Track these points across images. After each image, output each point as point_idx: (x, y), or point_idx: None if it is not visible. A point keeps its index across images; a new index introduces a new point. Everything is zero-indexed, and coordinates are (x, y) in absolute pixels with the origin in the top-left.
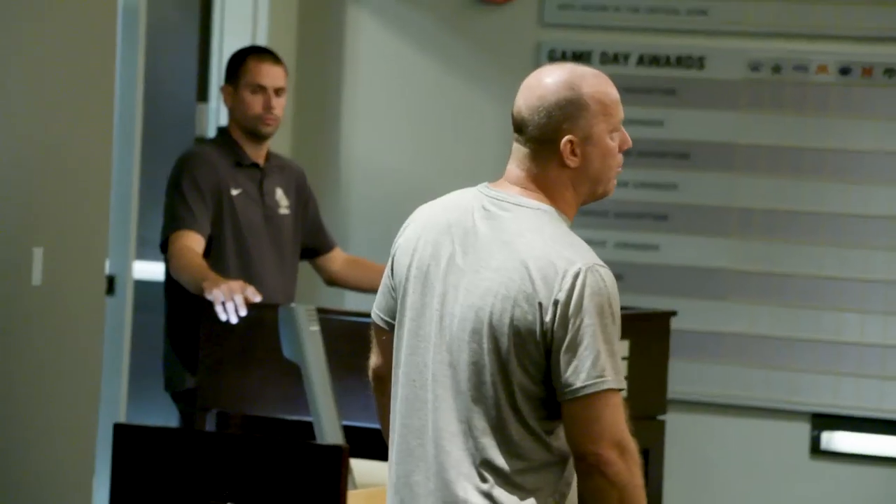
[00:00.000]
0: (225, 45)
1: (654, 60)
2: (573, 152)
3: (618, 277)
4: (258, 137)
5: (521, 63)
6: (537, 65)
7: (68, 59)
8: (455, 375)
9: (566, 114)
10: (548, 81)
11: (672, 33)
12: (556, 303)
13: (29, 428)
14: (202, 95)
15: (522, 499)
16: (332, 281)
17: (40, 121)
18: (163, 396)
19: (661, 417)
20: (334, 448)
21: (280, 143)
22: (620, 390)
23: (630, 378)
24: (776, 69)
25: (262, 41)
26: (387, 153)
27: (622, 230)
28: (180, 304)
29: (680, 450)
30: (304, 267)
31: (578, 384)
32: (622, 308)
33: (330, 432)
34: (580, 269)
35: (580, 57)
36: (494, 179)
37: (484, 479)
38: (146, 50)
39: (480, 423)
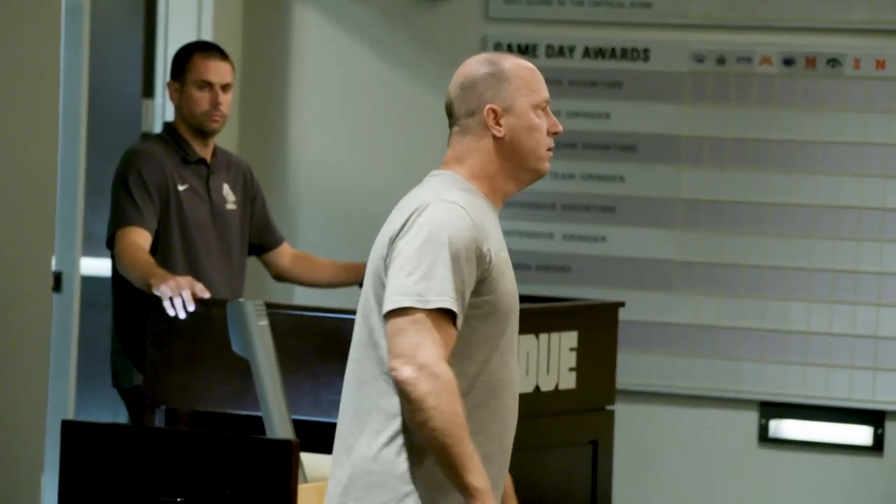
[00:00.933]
0: (170, 41)
1: (600, 53)
2: (497, 122)
3: (566, 269)
4: (205, 134)
5: (468, 57)
6: None
7: (12, 56)
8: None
9: (488, 85)
10: (471, 63)
11: (617, 26)
12: (391, 239)
13: None
14: (148, 91)
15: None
16: (280, 276)
17: None
18: (111, 393)
19: (609, 408)
20: (284, 443)
21: (227, 138)
22: (430, 310)
23: (578, 369)
24: (720, 61)
25: (207, 36)
26: (334, 148)
27: (569, 222)
28: (127, 301)
29: (629, 440)
30: (253, 262)
31: (385, 306)
32: (568, 300)
33: (280, 427)
34: (422, 204)
35: (525, 50)
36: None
37: None
38: (91, 46)
39: None
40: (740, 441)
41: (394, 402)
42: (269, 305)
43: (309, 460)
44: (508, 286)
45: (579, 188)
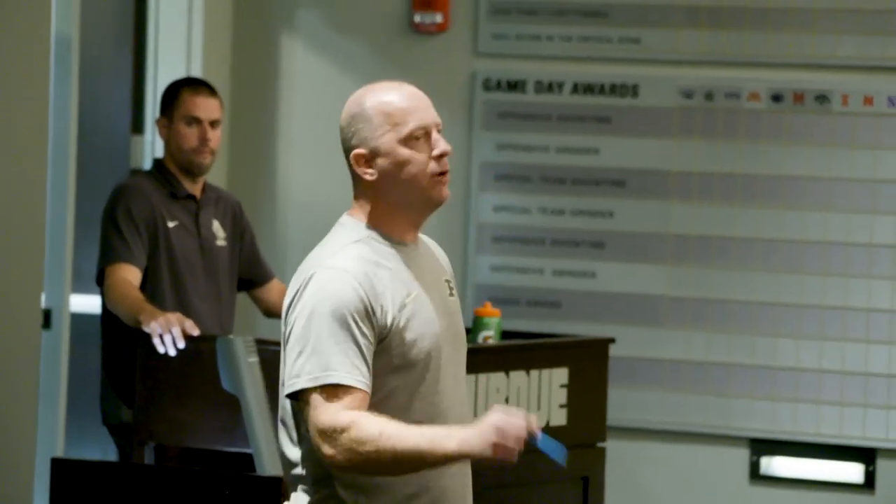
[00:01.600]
0: (159, 77)
1: (588, 89)
2: (368, 165)
3: (555, 305)
4: (193, 170)
5: (456, 92)
6: (472, 94)
7: (1, 91)
8: None
9: (352, 130)
10: (347, 103)
11: (605, 62)
12: (286, 311)
13: None
14: (137, 127)
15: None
16: (269, 312)
17: None
18: (101, 430)
19: (600, 444)
20: (274, 479)
21: (216, 174)
22: (320, 388)
23: (569, 405)
24: (708, 96)
25: (196, 72)
26: (323, 183)
27: (559, 258)
28: (117, 337)
29: (620, 477)
30: (243, 298)
31: (286, 387)
32: (558, 335)
33: (269, 463)
34: (310, 273)
35: (514, 86)
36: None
37: None
38: (80, 82)
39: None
40: (731, 478)
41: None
42: (258, 342)
43: (298, 498)
44: (419, 330)
45: (569, 223)
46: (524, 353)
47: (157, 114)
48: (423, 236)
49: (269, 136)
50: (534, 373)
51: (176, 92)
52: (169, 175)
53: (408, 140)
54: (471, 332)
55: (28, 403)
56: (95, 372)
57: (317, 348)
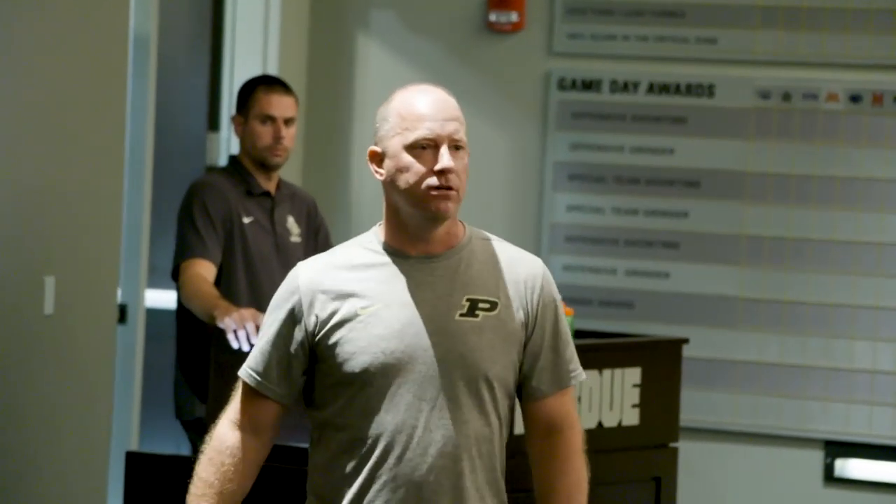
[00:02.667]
0: (236, 75)
1: (664, 89)
2: (379, 165)
3: (629, 305)
4: (268, 167)
5: (531, 91)
6: (546, 93)
7: (80, 88)
8: None
9: (376, 126)
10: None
11: (681, 62)
12: None
13: (41, 456)
14: (213, 125)
15: None
16: None
17: (52, 151)
18: (174, 425)
19: (673, 445)
20: None
21: (291, 171)
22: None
23: (641, 405)
24: (786, 97)
25: (272, 70)
26: None
27: (633, 258)
28: (191, 333)
29: (692, 478)
30: None
31: None
32: (631, 335)
33: None
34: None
35: (589, 85)
36: (504, 209)
37: None
38: (157, 80)
39: None
40: (805, 480)
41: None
42: None
43: None
44: (359, 345)
45: (643, 224)
46: (597, 353)
47: (233, 111)
48: (502, 249)
49: (343, 134)
50: (606, 372)
51: (251, 90)
52: (244, 172)
53: (412, 147)
54: None
55: (103, 398)
56: (170, 367)
57: (258, 341)
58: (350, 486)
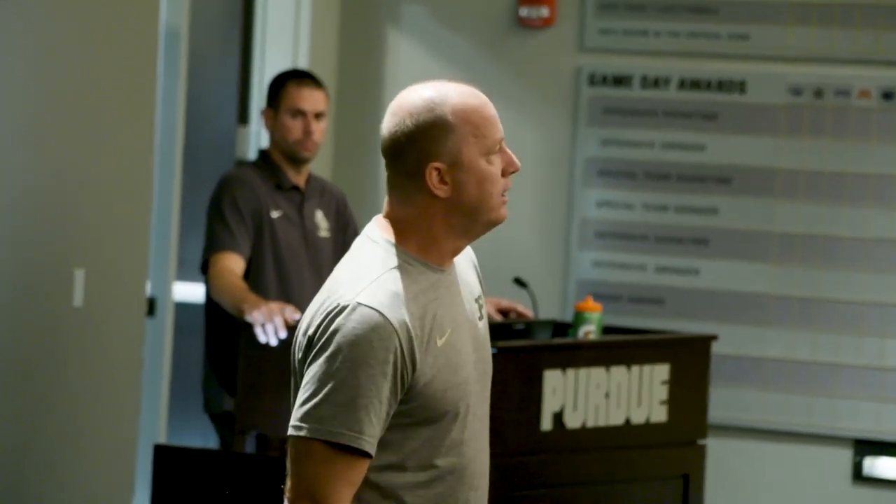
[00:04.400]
0: (266, 69)
1: (695, 85)
2: (442, 181)
3: (658, 301)
4: (297, 162)
5: (561, 87)
6: (577, 89)
7: (111, 81)
8: None
9: (428, 138)
10: (408, 103)
11: (713, 58)
12: (309, 339)
13: (69, 448)
14: (243, 118)
15: None
16: None
17: (82, 144)
18: (202, 418)
19: (701, 442)
20: None
21: (321, 165)
22: (323, 443)
23: (670, 402)
24: (818, 94)
25: (302, 64)
26: None
27: (662, 254)
28: (220, 326)
29: (721, 475)
30: None
31: (289, 424)
32: (662, 332)
33: None
34: (339, 306)
35: (620, 81)
36: (534, 205)
37: None
38: (187, 73)
39: None
40: (834, 479)
41: None
42: None
43: None
44: (449, 380)
45: (673, 220)
46: (625, 349)
47: (263, 105)
48: None
49: (373, 129)
50: (635, 368)
51: (281, 84)
52: (274, 166)
53: (489, 154)
54: (572, 327)
55: (132, 391)
56: (198, 360)
57: (336, 398)
58: None
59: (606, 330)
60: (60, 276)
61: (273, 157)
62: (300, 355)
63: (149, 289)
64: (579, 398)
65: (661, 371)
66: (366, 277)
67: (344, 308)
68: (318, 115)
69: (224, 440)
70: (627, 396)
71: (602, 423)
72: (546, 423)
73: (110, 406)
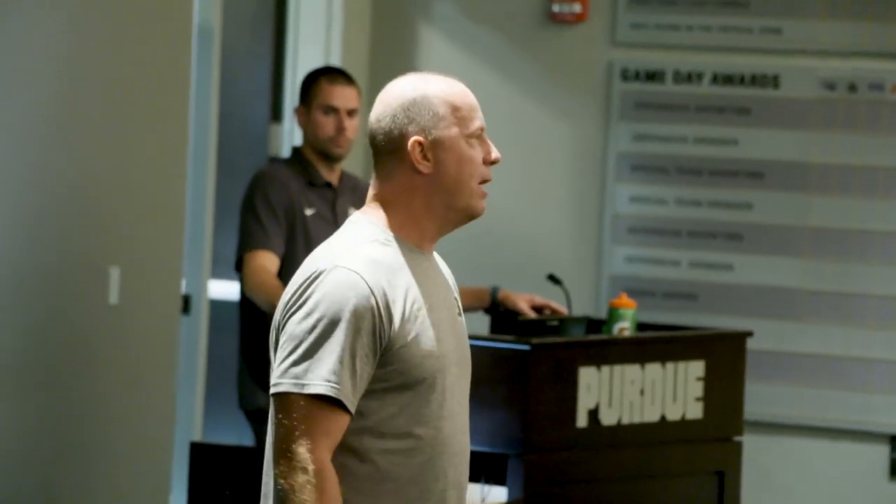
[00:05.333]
0: (298, 66)
1: (728, 79)
2: (424, 156)
3: (692, 297)
4: (330, 159)
5: (593, 82)
6: (609, 84)
7: (144, 79)
8: None
9: (412, 115)
10: (394, 87)
11: (746, 52)
12: (285, 304)
13: (105, 446)
14: (276, 115)
15: None
16: None
17: (117, 142)
18: (238, 415)
19: (737, 438)
20: None
21: (353, 162)
22: (309, 395)
23: (705, 399)
24: (851, 88)
25: (335, 61)
26: None
27: (695, 250)
28: (254, 323)
29: (756, 471)
30: None
31: (272, 385)
32: (695, 328)
33: None
34: (317, 270)
35: (653, 76)
36: (566, 200)
37: None
38: (220, 70)
39: None
40: (870, 475)
41: None
42: None
43: None
44: (426, 348)
45: (706, 215)
46: (660, 345)
47: (296, 102)
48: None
49: None
50: (669, 365)
51: (314, 81)
52: (306, 163)
53: (469, 137)
54: (606, 324)
55: (167, 388)
56: (233, 357)
57: (312, 352)
58: (406, 491)
59: (640, 326)
60: (96, 274)
61: (306, 155)
62: (277, 321)
63: (183, 286)
64: (614, 395)
65: (697, 367)
66: (345, 248)
67: (322, 272)
68: (350, 112)
69: (259, 437)
70: (662, 393)
71: (637, 419)
72: (581, 420)
73: (146, 403)
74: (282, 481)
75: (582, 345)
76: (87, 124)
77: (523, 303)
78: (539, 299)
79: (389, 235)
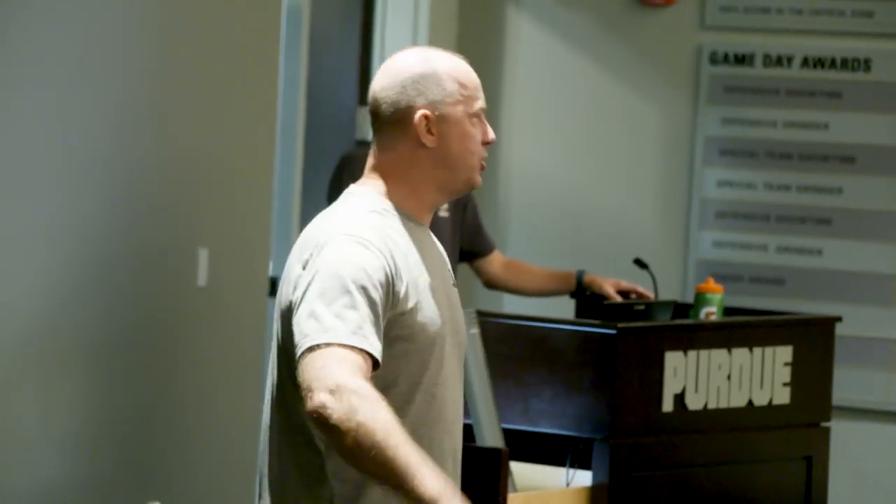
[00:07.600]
0: (386, 49)
1: (819, 63)
2: (429, 130)
3: (780, 282)
4: None
5: (682, 65)
6: (698, 67)
7: (233, 61)
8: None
9: (420, 88)
10: (402, 59)
11: (837, 35)
12: (297, 276)
13: (194, 428)
14: (364, 99)
15: None
16: (491, 283)
17: (205, 124)
18: None
19: (825, 424)
20: (494, 451)
21: None
22: (336, 345)
23: (792, 384)
24: None
25: (422, 44)
26: (545, 156)
27: (784, 234)
28: None
29: (844, 457)
30: (464, 269)
31: (298, 348)
32: (784, 313)
33: (490, 435)
34: (322, 242)
35: (742, 59)
36: (653, 184)
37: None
38: (309, 53)
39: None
40: None
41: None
42: (479, 313)
43: (518, 469)
44: (427, 314)
45: (795, 200)
46: (748, 330)
47: None
48: None
49: (492, 109)
50: (757, 350)
51: None
52: None
53: (472, 116)
54: (693, 308)
55: (254, 370)
56: None
57: (332, 309)
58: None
59: (727, 311)
60: (185, 256)
61: None
62: (285, 299)
63: (271, 269)
64: (700, 380)
65: (784, 353)
66: (344, 218)
67: (328, 241)
68: None
69: None
70: (750, 378)
71: (724, 404)
72: (667, 405)
73: (234, 385)
74: (328, 413)
75: (668, 329)
76: (176, 107)
77: (609, 287)
78: (625, 283)
79: (388, 205)
